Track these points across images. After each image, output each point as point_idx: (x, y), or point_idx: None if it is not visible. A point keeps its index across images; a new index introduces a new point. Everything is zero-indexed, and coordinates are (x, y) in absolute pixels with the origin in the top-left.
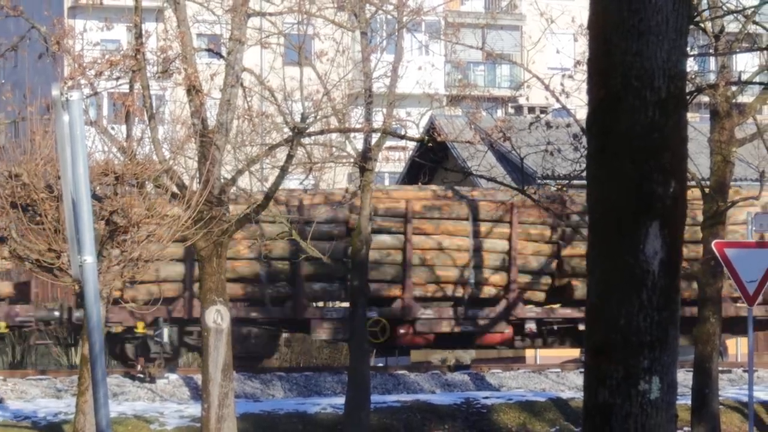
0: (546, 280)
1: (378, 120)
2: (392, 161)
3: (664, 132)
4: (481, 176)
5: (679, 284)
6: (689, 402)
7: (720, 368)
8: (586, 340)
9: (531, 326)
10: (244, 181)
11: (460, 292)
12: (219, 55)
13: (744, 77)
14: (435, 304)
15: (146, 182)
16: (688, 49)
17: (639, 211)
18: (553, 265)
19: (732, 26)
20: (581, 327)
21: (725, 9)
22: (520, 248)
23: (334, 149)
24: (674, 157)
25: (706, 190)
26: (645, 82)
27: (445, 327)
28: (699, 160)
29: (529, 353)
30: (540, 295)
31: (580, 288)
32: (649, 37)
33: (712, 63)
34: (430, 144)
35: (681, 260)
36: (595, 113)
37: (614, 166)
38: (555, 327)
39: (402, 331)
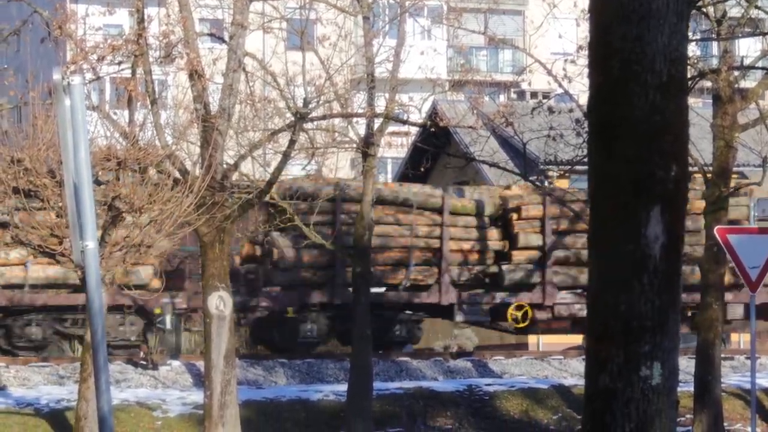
0: None
1: (380, 105)
2: (395, 146)
3: (665, 116)
4: (484, 162)
5: (681, 269)
6: (692, 389)
7: (722, 355)
8: (587, 326)
9: None
10: (246, 167)
11: None
12: (221, 39)
13: (746, 62)
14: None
15: (149, 167)
16: (691, 34)
17: (640, 196)
18: None
19: (734, 11)
20: None
21: None
22: None
23: (336, 134)
24: (676, 141)
25: (709, 176)
26: (645, 66)
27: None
28: (701, 146)
29: (531, 340)
30: None
31: None
32: (650, 21)
33: (715, 48)
34: (433, 129)
35: (682, 245)
36: (596, 97)
37: (615, 150)
38: None
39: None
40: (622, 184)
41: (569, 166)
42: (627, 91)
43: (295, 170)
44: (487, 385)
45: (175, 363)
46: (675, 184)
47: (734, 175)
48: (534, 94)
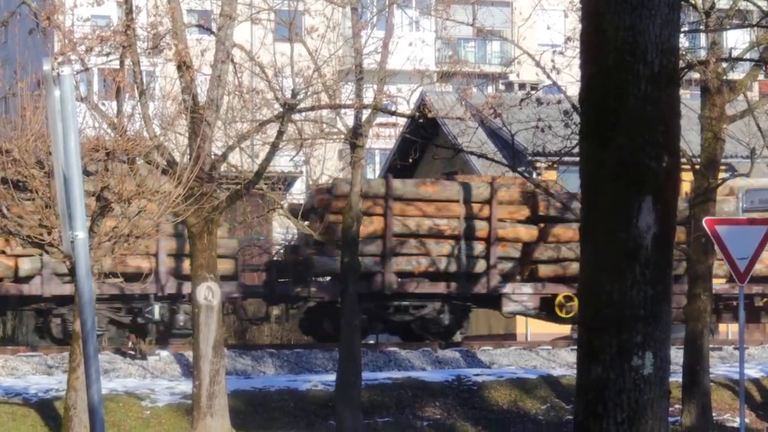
0: None
1: (369, 96)
2: (383, 138)
3: (657, 106)
4: (472, 153)
5: (672, 259)
6: (680, 379)
7: (710, 346)
8: (579, 316)
9: None
10: (234, 158)
11: None
12: (209, 30)
13: (735, 54)
14: None
15: (137, 158)
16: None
17: (632, 186)
18: None
19: (723, 2)
20: None
21: None
22: None
23: (324, 125)
24: (667, 132)
25: (697, 167)
26: (638, 56)
27: None
28: (689, 137)
29: (520, 330)
30: None
31: None
32: (642, 11)
33: (703, 39)
34: (421, 120)
35: (674, 235)
36: (588, 87)
37: (607, 140)
38: None
39: None
40: (615, 174)
41: (557, 158)
42: (619, 81)
43: (283, 161)
44: (475, 375)
45: (164, 353)
46: (666, 174)
47: (722, 167)
48: (522, 86)
